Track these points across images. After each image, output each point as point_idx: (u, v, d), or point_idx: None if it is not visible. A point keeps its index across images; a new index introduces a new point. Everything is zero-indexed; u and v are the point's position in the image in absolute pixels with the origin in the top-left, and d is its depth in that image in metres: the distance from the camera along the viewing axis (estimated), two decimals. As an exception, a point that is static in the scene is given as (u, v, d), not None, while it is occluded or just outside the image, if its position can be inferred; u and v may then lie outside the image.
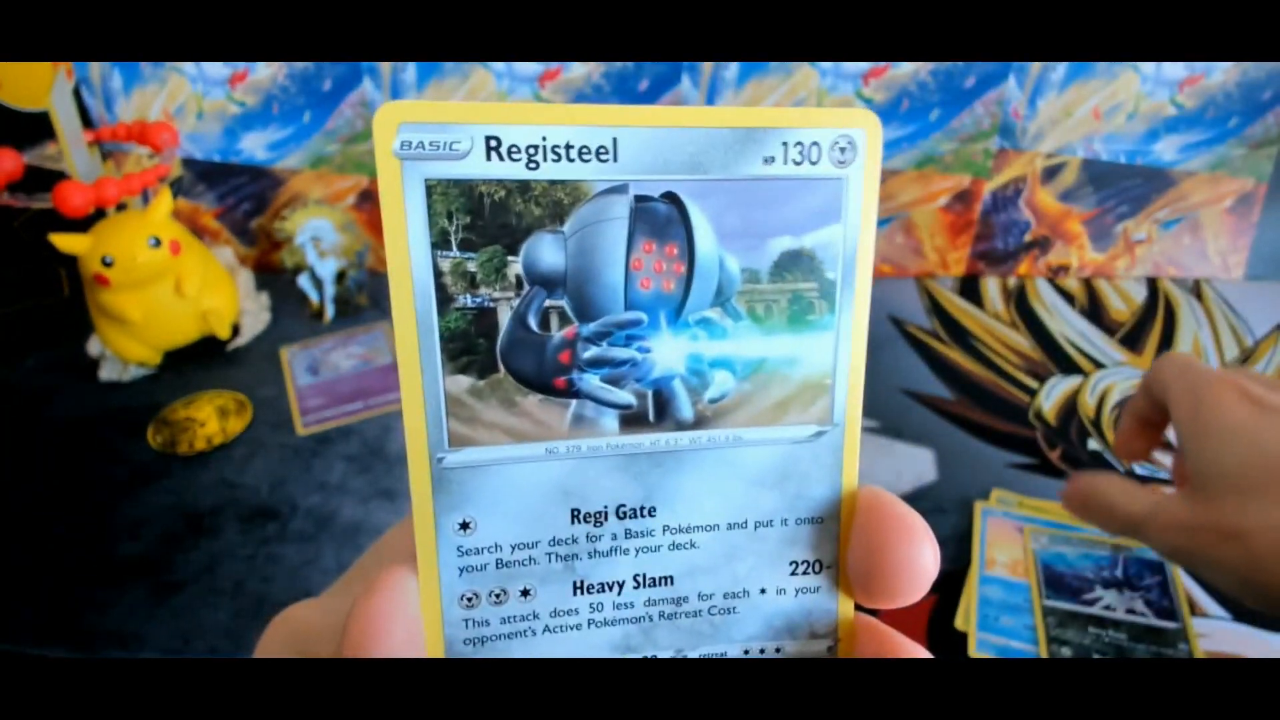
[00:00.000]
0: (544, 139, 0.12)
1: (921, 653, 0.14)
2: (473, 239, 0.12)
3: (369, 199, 0.75)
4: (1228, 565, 0.32)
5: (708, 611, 0.14)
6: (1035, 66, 0.67)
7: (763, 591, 0.14)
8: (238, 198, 0.75)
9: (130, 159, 0.72)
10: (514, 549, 0.13)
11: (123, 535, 0.52)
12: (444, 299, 0.12)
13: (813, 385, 0.13)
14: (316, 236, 0.70)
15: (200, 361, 0.66)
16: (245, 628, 0.46)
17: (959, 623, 0.45)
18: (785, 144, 0.12)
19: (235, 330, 0.69)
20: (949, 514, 0.52)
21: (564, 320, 0.13)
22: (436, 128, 0.11)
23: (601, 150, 0.12)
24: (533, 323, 0.12)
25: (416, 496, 0.12)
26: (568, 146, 0.12)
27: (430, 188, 0.12)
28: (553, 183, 0.12)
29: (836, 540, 0.14)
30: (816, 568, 0.14)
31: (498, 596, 0.13)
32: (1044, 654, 0.43)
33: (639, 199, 0.12)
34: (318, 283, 0.70)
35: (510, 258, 0.12)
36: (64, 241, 0.58)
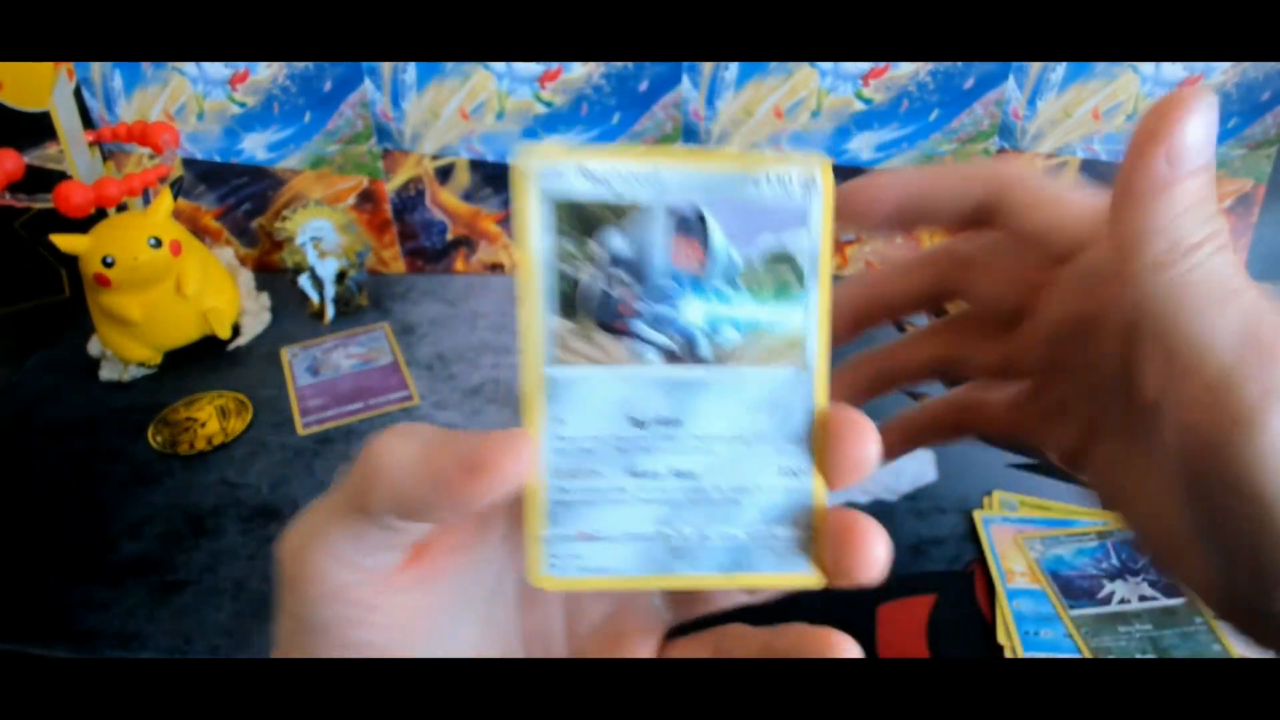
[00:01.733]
0: (616, 169, 0.19)
1: (879, 534, 0.18)
2: (572, 228, 0.19)
3: (369, 199, 0.75)
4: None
5: (721, 500, 0.19)
6: (1035, 67, 0.67)
7: (759, 488, 0.19)
8: (238, 198, 0.76)
9: (131, 159, 0.72)
10: (589, 440, 0.19)
11: (123, 535, 0.52)
12: (550, 265, 0.19)
13: (791, 340, 0.19)
14: (317, 237, 0.70)
15: (201, 362, 0.67)
16: (246, 627, 0.46)
17: (1000, 638, 0.45)
18: (769, 178, 0.19)
19: (236, 330, 0.69)
20: (949, 514, 0.52)
21: (627, 285, 0.19)
22: (554, 160, 0.19)
23: (652, 178, 0.19)
24: (606, 286, 0.19)
25: (530, 398, 0.19)
26: (632, 174, 0.19)
27: (545, 193, 0.19)
28: (622, 196, 0.19)
29: (811, 454, 0.19)
30: (797, 473, 0.19)
31: (576, 474, 0.19)
32: None
33: (676, 210, 0.19)
34: (318, 283, 0.70)
35: (594, 243, 0.19)
36: (65, 242, 0.58)
